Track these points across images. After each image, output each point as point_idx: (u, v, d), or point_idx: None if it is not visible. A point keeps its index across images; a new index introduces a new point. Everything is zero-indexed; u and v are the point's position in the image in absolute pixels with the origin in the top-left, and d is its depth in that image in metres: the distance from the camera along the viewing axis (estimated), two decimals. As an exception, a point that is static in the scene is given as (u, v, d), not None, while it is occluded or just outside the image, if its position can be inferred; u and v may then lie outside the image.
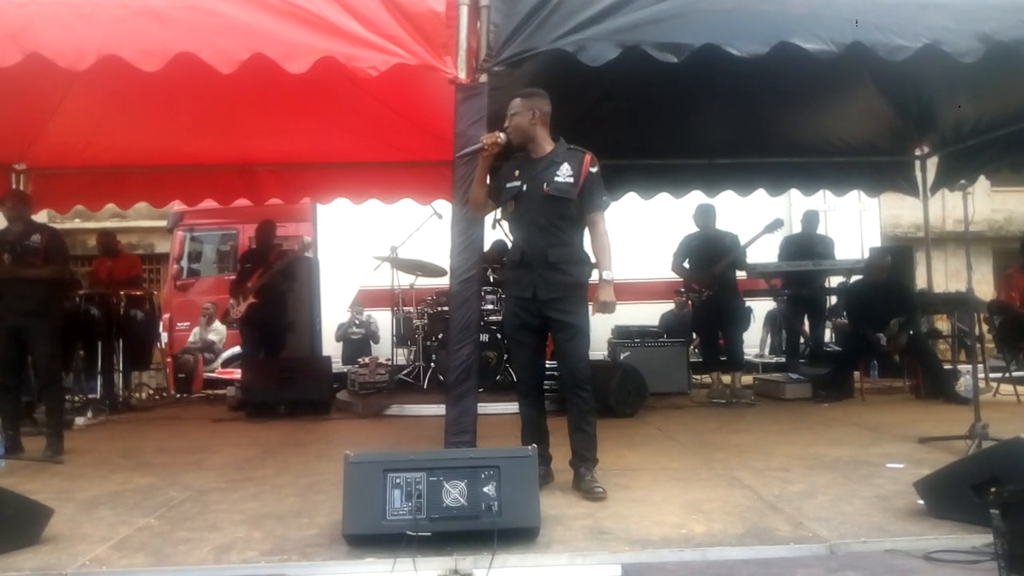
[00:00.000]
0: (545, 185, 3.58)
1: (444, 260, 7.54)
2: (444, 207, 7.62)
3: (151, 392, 8.56)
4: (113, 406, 7.16)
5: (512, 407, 6.12)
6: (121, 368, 7.58)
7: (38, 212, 6.86)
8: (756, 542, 2.89)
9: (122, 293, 7.48)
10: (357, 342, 9.50)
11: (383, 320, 9.14)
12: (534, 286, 3.59)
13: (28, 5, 3.54)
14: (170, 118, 6.32)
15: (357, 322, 9.60)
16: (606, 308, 3.61)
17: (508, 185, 3.69)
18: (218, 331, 10.02)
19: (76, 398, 7.04)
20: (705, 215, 6.90)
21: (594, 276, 3.72)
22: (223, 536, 3.06)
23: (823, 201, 9.48)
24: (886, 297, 6.82)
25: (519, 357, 3.94)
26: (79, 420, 6.27)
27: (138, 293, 7.82)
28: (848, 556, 2.76)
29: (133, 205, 7.79)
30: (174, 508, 3.53)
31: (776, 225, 6.91)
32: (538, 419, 3.77)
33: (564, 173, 3.59)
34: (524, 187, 3.63)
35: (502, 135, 3.57)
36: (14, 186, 7.03)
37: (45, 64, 3.49)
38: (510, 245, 3.93)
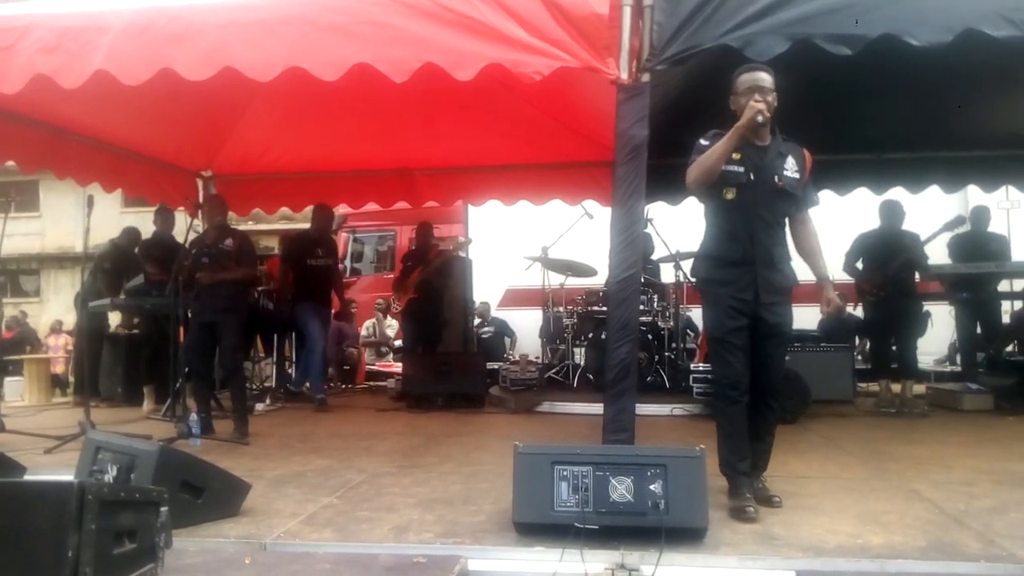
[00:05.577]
0: (777, 178, 3.32)
1: (592, 260, 7.67)
2: (593, 207, 7.69)
3: (319, 382, 9.14)
4: (287, 394, 7.69)
5: (662, 408, 6.15)
6: (293, 359, 8.17)
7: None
8: (942, 557, 2.72)
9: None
10: (487, 341, 9.59)
11: (531, 319, 9.29)
12: (756, 287, 3.32)
13: (229, 26, 3.88)
14: (337, 127, 6.76)
15: (486, 321, 9.74)
16: (835, 306, 3.45)
17: (728, 168, 3.29)
18: (392, 325, 10.50)
19: (254, 386, 7.66)
20: (891, 211, 6.52)
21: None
22: (399, 517, 3.25)
23: (1005, 197, 8.76)
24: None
25: (733, 360, 3.32)
26: (259, 406, 6.81)
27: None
28: (1052, 579, 2.54)
29: (305, 208, 8.31)
30: (352, 489, 3.77)
31: (957, 222, 6.43)
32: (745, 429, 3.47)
33: (791, 167, 3.36)
34: (751, 176, 3.31)
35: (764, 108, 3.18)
36: (201, 192, 7.76)
37: (232, 78, 3.76)
38: (705, 243, 3.55)
